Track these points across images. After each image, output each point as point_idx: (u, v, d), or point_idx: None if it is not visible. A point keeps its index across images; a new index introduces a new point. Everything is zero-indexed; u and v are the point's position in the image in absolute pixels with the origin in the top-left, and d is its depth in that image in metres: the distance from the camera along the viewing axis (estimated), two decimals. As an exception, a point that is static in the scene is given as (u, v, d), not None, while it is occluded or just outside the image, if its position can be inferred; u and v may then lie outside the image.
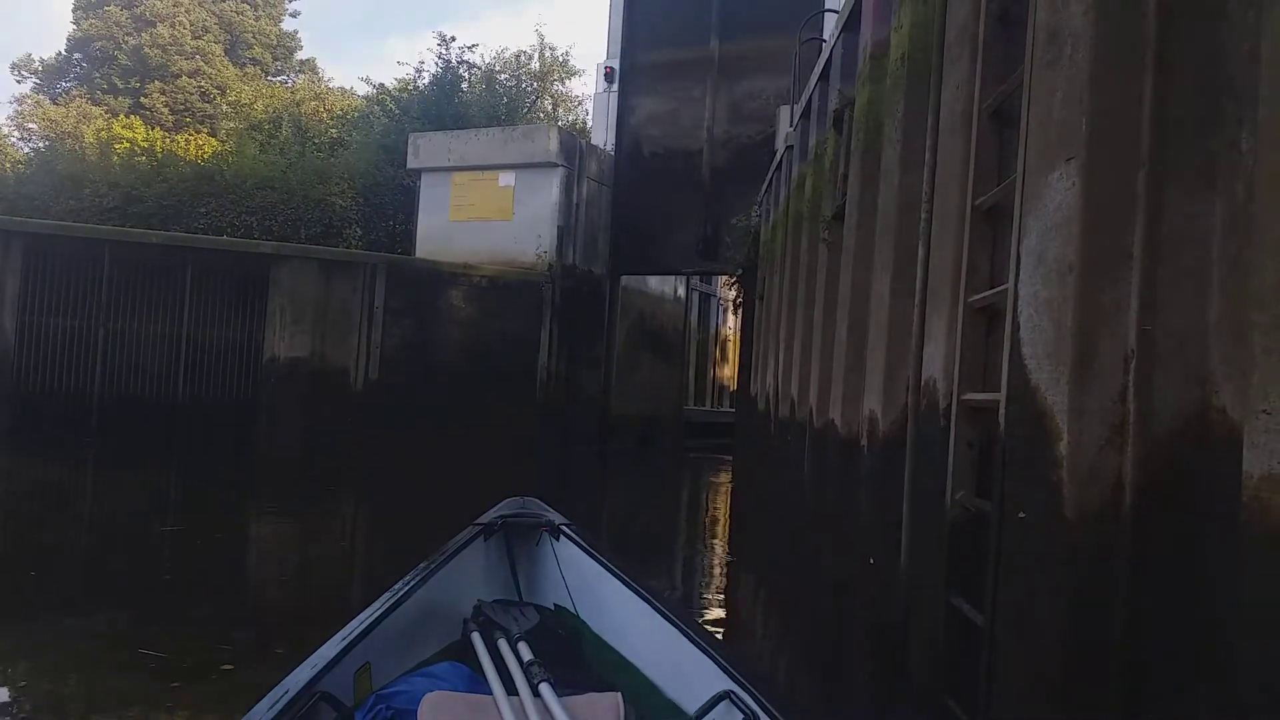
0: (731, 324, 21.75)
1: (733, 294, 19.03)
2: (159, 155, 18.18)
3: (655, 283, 18.15)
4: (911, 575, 3.19)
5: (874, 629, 3.64)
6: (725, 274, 16.37)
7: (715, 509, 11.34)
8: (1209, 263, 1.76)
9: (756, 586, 6.34)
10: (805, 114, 7.32)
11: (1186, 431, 1.74)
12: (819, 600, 4.94)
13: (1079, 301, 1.91)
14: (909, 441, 3.29)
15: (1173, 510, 1.74)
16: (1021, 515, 2.11)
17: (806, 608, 5.17)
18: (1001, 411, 2.30)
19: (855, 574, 3.95)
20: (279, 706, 1.85)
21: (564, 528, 2.87)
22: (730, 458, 14.00)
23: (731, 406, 18.64)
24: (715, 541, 8.89)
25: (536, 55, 23.79)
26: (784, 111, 10.74)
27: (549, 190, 14.83)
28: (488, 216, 15.02)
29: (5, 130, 28.61)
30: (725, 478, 13.21)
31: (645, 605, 2.53)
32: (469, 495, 9.28)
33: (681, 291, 19.42)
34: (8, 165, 22.60)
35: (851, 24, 5.41)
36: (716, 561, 7.57)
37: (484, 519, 2.92)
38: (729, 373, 22.10)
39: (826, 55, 6.38)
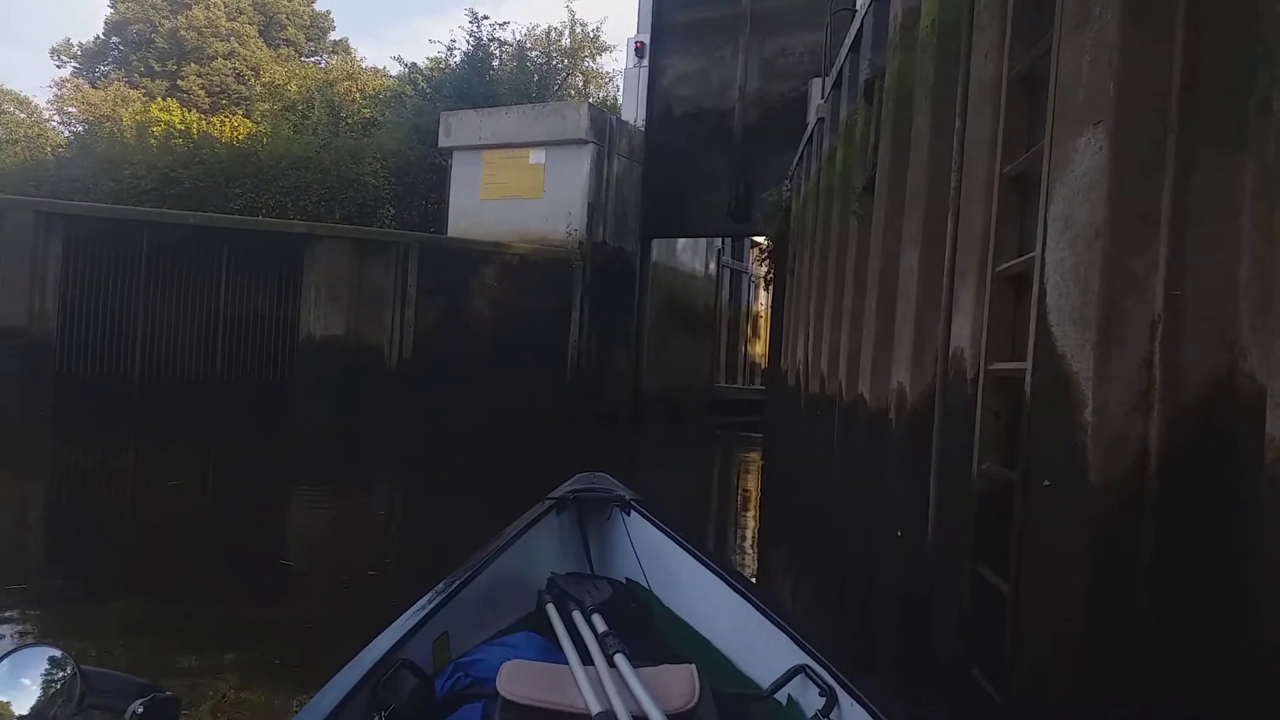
0: (763, 300, 21.63)
1: (764, 270, 18.90)
2: (195, 137, 18.39)
3: (686, 259, 18.04)
4: (939, 546, 3.19)
5: (901, 600, 3.65)
6: (757, 235, 16.10)
7: (745, 484, 11.35)
8: (1239, 226, 1.73)
9: (785, 559, 6.36)
10: (836, 85, 7.24)
11: (1213, 396, 1.73)
12: (847, 572, 4.95)
13: (1106, 267, 1.89)
14: (937, 413, 3.28)
15: (1198, 475, 1.72)
16: (1046, 483, 2.10)
17: (835, 579, 5.18)
18: (1028, 380, 2.29)
19: (883, 546, 3.95)
20: (363, 673, 1.89)
21: (634, 503, 2.89)
22: (760, 435, 13.98)
23: (762, 384, 18.59)
24: (745, 515, 8.91)
25: (567, 31, 23.65)
26: (815, 84, 10.63)
27: (580, 167, 14.80)
28: (518, 194, 15.05)
29: (46, 114, 29.11)
30: (755, 455, 13.20)
31: (717, 579, 2.51)
32: (501, 471, 9.38)
33: (713, 268, 19.31)
34: (49, 149, 22.96)
35: (882, -7, 5.34)
36: (745, 534, 7.59)
37: (556, 493, 2.94)
38: (760, 350, 22.02)
39: (858, 25, 6.30)
